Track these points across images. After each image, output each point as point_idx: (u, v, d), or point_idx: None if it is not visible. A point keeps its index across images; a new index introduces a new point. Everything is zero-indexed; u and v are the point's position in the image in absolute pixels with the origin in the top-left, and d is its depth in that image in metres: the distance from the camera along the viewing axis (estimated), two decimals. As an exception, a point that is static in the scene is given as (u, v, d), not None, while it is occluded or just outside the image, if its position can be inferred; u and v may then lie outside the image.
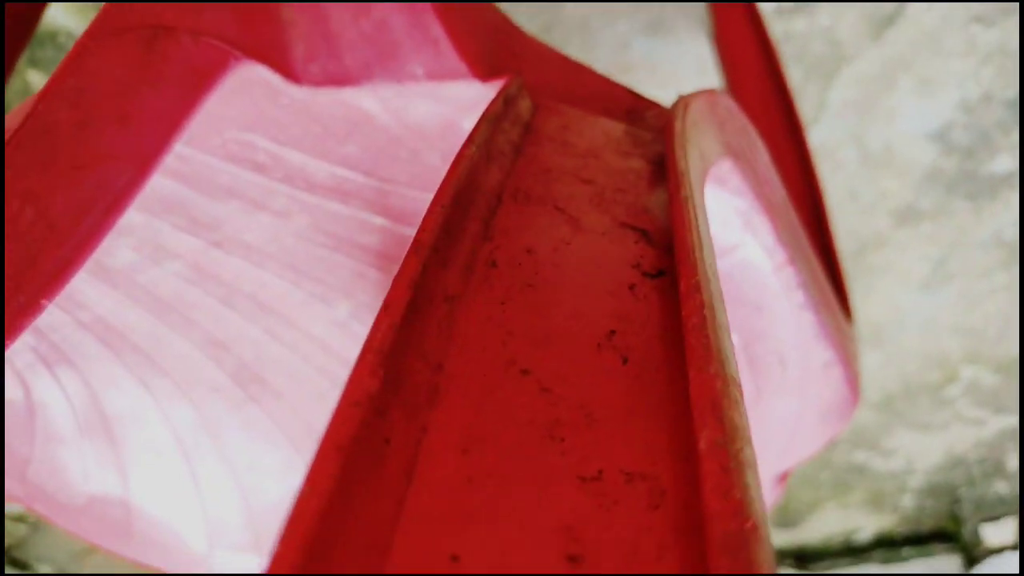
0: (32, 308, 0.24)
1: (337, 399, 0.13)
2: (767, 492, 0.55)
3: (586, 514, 0.13)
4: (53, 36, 0.88)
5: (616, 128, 0.33)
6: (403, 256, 0.43)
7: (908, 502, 1.34)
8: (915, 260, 0.98)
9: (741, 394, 0.15)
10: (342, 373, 0.53)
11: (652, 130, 0.34)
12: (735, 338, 0.43)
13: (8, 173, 0.25)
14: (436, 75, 0.33)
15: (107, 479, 0.58)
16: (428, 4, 0.33)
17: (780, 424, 0.48)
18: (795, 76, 0.86)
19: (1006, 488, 1.28)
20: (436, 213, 0.19)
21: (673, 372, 0.16)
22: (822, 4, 0.80)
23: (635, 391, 0.16)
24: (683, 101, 0.32)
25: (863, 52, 0.83)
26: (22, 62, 0.91)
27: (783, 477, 0.56)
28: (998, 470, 1.27)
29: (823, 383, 0.44)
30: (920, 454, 1.28)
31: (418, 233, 0.18)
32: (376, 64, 0.34)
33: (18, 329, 0.24)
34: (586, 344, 0.17)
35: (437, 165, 0.37)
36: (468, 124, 0.34)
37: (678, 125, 0.28)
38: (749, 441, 0.13)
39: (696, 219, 0.21)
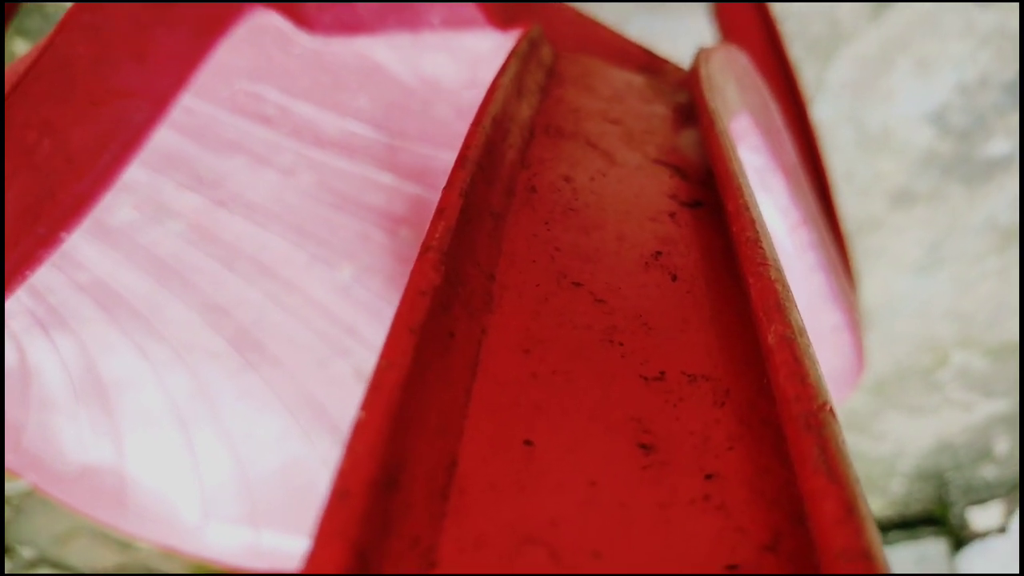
0: (51, 240, 0.23)
1: (404, 290, 0.13)
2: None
3: (653, 409, 0.13)
4: (40, 7, 0.86)
5: (636, 78, 0.32)
6: (409, 215, 0.42)
7: (897, 486, 1.36)
8: (909, 244, 0.99)
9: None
10: (343, 339, 0.53)
11: (671, 82, 0.33)
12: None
13: (25, 103, 0.24)
14: (452, 24, 0.33)
15: (101, 447, 0.58)
16: (445, -48, 0.33)
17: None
18: (793, 55, 0.86)
19: (993, 472, 1.29)
20: (477, 133, 0.18)
21: (725, 288, 0.16)
22: (823, -18, 0.80)
23: (687, 304, 0.16)
24: (705, 52, 0.31)
25: (861, 32, 0.83)
26: (9, 32, 0.89)
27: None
28: (986, 454, 1.28)
29: (832, 347, 0.44)
30: (910, 438, 1.29)
31: (462, 149, 0.18)
32: (391, 13, 0.33)
33: (36, 262, 0.23)
34: (634, 263, 0.17)
35: (450, 119, 0.36)
36: (484, 75, 0.34)
37: (703, 70, 0.28)
38: (811, 342, 0.13)
39: (733, 150, 0.21)
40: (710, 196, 0.20)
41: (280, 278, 0.49)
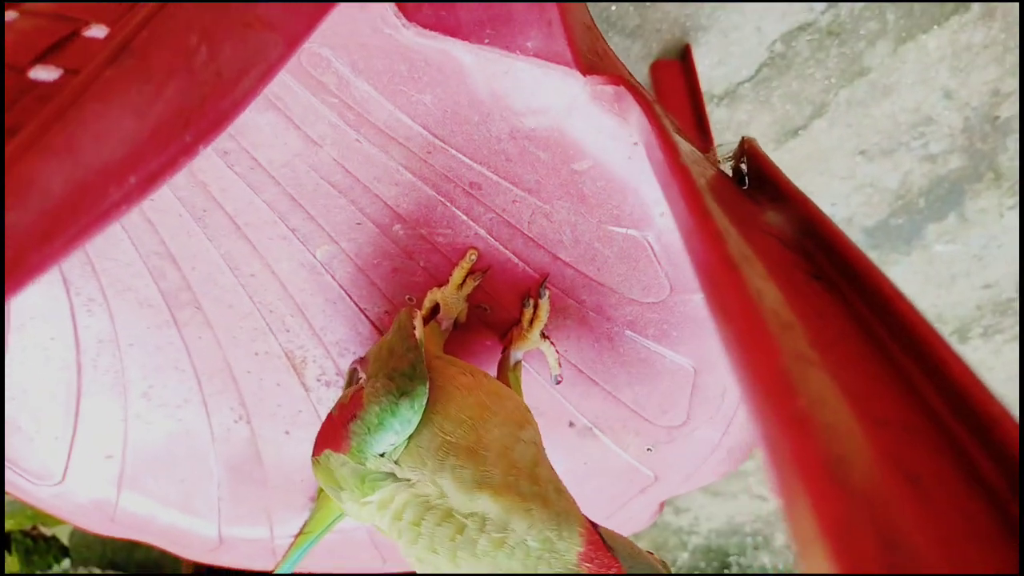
0: (191, 151, 0.23)
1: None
2: (649, 515, 0.60)
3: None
4: None
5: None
6: (411, 215, 0.43)
7: (684, 558, 1.47)
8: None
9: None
10: (287, 318, 0.51)
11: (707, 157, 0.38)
12: (689, 362, 0.47)
13: (187, 8, 0.24)
14: (542, 55, 0.35)
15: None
16: (547, -12, 0.35)
17: (694, 452, 0.53)
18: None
19: (770, 561, 1.44)
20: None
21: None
22: (747, 101, 0.90)
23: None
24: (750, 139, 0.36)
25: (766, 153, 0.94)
26: None
27: (662, 504, 0.61)
28: (767, 544, 1.43)
29: (745, 422, 0.50)
30: (706, 517, 1.41)
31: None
32: (488, 25, 0.35)
33: (177, 168, 0.22)
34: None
35: (501, 138, 0.38)
36: (554, 109, 0.36)
37: (763, 151, 0.32)
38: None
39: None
40: (831, 271, 0.24)
41: (249, 242, 0.47)
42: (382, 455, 0.36)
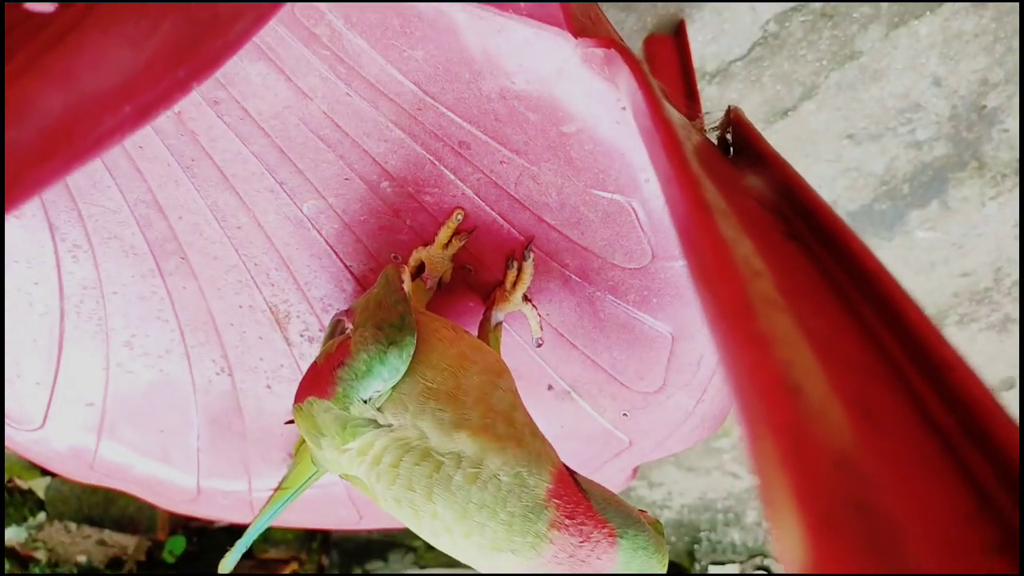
0: (184, 87, 0.23)
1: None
2: (622, 480, 0.61)
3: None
4: None
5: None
6: (399, 172, 0.43)
7: (657, 534, 1.50)
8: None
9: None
10: (272, 272, 0.52)
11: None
12: (668, 329, 0.48)
13: (185, -53, 0.24)
14: (535, 15, 0.35)
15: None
16: (543, -51, 0.36)
17: (667, 418, 0.54)
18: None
19: (740, 538, 1.47)
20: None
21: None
22: (738, 79, 0.90)
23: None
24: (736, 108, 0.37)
25: (754, 133, 0.95)
26: None
27: (636, 470, 0.63)
28: (737, 521, 1.46)
29: (720, 390, 0.51)
30: (679, 492, 1.44)
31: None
32: (483, -17, 0.35)
33: (171, 102, 0.23)
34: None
35: (491, 97, 0.39)
36: (545, 71, 0.37)
37: (748, 119, 0.33)
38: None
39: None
40: (806, 233, 0.25)
41: (236, 193, 0.47)
42: (366, 402, 0.37)
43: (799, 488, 0.11)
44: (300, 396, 0.41)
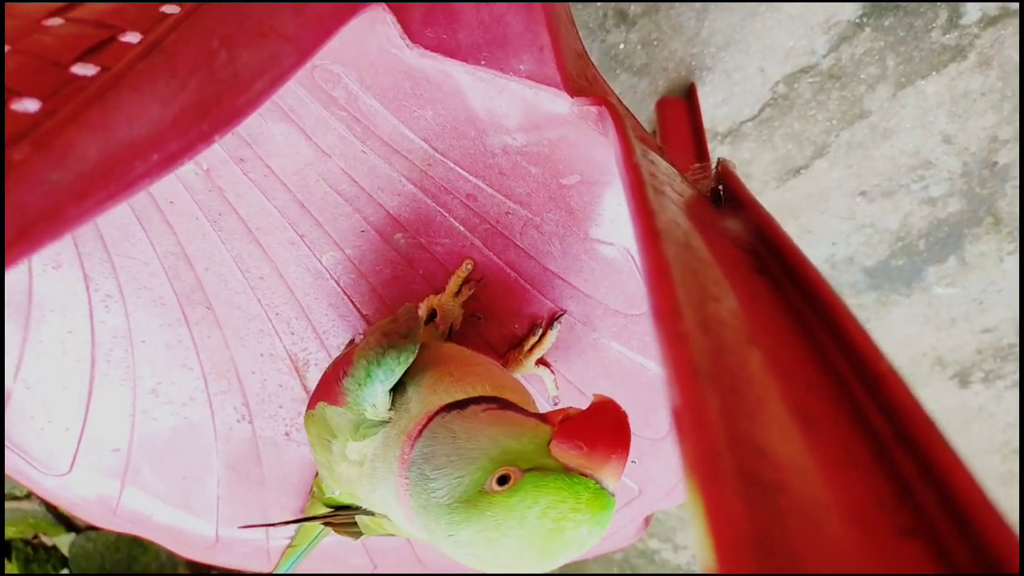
0: (207, 139, 0.26)
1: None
2: (634, 531, 0.61)
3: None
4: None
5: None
6: (411, 224, 0.46)
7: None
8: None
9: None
10: (292, 321, 0.54)
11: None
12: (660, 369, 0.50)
13: (212, 17, 0.27)
14: (534, 77, 0.38)
15: (6, 365, 0.54)
16: (542, 16, 0.39)
17: (676, 464, 0.54)
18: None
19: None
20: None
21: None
22: (750, 139, 0.93)
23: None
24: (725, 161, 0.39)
25: (766, 191, 0.97)
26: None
27: (648, 520, 0.63)
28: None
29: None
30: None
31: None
32: (485, 48, 0.38)
33: (194, 152, 0.25)
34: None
35: (495, 152, 0.41)
36: (545, 127, 0.39)
37: (736, 171, 0.35)
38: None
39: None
40: (773, 265, 0.27)
41: (259, 247, 0.50)
42: (375, 406, 0.39)
43: (703, 471, 0.12)
44: (312, 403, 0.43)
